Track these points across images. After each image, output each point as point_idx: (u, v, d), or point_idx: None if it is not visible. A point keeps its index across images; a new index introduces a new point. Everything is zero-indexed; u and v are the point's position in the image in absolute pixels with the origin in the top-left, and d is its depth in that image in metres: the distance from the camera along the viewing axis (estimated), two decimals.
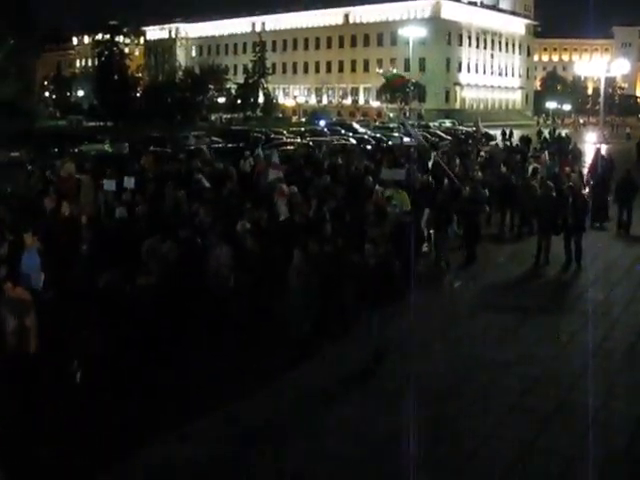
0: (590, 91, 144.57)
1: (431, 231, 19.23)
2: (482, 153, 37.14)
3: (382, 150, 37.88)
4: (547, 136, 56.39)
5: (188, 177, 21.49)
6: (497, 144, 51.63)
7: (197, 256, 12.91)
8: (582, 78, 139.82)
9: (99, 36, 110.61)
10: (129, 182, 18.63)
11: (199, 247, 13.34)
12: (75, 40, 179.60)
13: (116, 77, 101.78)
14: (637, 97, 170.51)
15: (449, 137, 61.63)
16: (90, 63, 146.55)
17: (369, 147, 47.19)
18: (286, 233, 14.24)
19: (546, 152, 31.81)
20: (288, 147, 43.19)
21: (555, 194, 19.28)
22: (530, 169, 27.26)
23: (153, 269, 12.25)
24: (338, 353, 12.11)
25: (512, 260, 19.50)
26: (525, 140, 52.79)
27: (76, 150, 40.86)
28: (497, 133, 66.22)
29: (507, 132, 67.00)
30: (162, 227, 13.95)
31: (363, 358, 11.65)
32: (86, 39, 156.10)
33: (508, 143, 54.73)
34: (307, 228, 14.81)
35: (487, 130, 67.92)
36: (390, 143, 48.45)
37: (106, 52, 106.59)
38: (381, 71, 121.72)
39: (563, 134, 58.26)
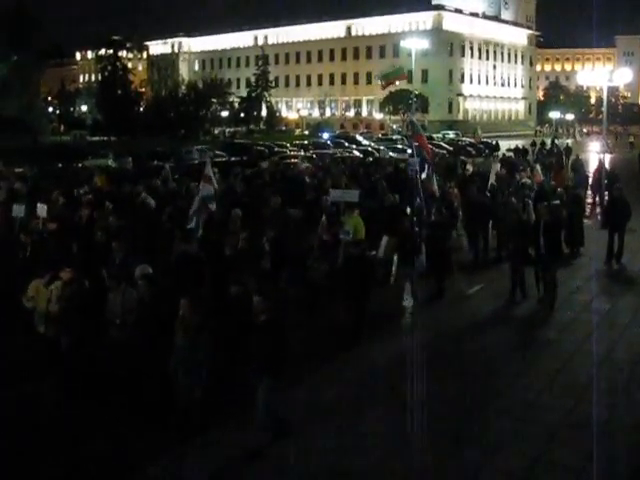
0: (593, 100, 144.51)
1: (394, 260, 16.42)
2: (468, 167, 34.22)
3: (365, 165, 33.75)
4: (540, 146, 53.89)
5: (134, 198, 18.91)
6: (488, 156, 48.39)
7: (85, 301, 10.82)
8: (585, 87, 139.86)
9: (102, 51, 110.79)
10: (42, 210, 15.76)
11: (86, 291, 11.08)
12: (78, 55, 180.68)
13: (119, 92, 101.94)
14: None
15: (450, 147, 61.68)
16: (93, 78, 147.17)
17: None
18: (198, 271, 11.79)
19: (537, 165, 28.59)
20: (292, 160, 43.21)
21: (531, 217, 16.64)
22: (520, 184, 23.82)
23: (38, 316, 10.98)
24: (221, 435, 9.61)
25: (485, 292, 16.73)
26: (520, 151, 50.04)
27: (80, 165, 40.83)
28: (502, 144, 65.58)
29: (493, 143, 64.12)
30: (49, 265, 11.68)
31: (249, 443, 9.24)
32: (89, 54, 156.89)
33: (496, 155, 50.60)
34: (229, 264, 12.44)
35: (487, 140, 68.03)
36: (377, 156, 46.01)
37: (109, 67, 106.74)
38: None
39: (563, 144, 54.49)
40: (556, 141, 59.06)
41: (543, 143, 57.02)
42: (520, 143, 57.13)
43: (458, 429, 9.69)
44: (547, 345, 13.12)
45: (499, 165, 29.83)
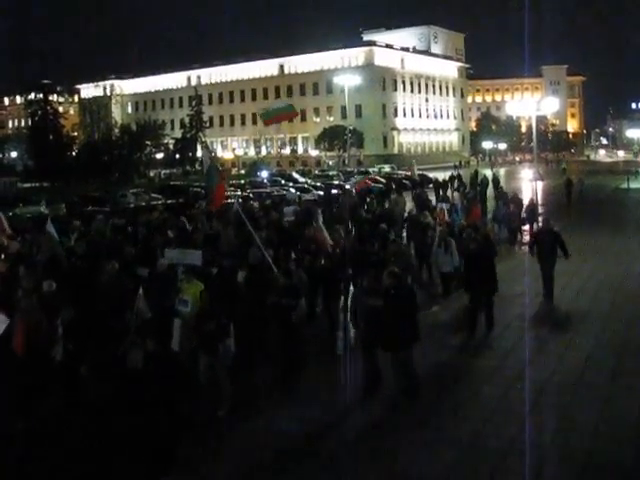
0: (524, 129, 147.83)
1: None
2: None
3: (265, 208, 28.49)
4: (458, 181, 50.99)
5: None
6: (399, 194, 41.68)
7: None
8: (515, 117, 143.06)
9: (32, 95, 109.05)
10: None
11: None
12: (7, 100, 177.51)
13: (51, 137, 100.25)
14: (568, 133, 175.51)
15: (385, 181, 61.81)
16: (23, 123, 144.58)
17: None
18: None
19: (443, 204, 24.58)
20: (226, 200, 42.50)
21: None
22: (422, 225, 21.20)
23: None
24: None
25: (341, 382, 12.19)
26: (439, 185, 47.14)
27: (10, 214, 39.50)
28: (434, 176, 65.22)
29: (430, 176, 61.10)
30: None
31: None
32: (18, 99, 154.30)
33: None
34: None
35: (422, 172, 68.37)
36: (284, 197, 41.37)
37: (39, 112, 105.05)
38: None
39: (488, 175, 49.30)
40: (483, 173, 56.07)
41: (460, 177, 53.45)
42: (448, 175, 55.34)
43: None
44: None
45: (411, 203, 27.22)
